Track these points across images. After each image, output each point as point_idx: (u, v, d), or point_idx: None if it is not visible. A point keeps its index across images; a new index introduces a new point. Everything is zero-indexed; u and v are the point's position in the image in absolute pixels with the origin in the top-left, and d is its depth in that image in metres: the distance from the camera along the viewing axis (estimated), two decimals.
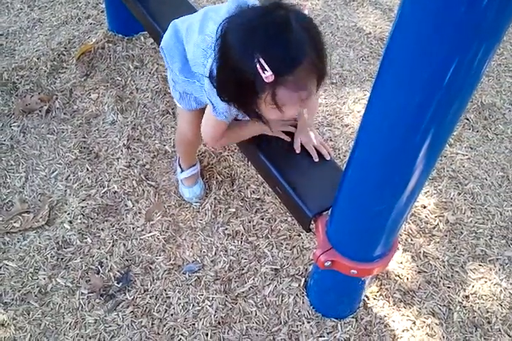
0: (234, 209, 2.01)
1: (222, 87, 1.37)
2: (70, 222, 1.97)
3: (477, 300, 1.84)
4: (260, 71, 1.19)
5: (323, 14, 2.81)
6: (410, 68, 0.93)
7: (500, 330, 1.77)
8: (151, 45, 2.48)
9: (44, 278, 1.85)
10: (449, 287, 1.87)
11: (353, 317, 1.77)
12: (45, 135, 2.21)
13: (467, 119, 2.36)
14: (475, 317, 1.79)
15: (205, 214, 2.01)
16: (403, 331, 1.76)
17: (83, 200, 2.02)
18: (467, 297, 1.85)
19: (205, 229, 1.98)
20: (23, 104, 2.25)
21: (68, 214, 1.98)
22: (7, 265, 1.87)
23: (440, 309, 1.81)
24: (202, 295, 1.82)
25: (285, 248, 1.91)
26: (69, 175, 2.10)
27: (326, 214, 1.53)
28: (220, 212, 2.01)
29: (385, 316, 1.78)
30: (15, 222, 1.97)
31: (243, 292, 1.83)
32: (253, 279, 1.85)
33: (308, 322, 1.76)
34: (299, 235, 1.94)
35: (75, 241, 1.93)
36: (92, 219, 1.98)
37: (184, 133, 1.86)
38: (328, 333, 1.75)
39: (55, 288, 1.83)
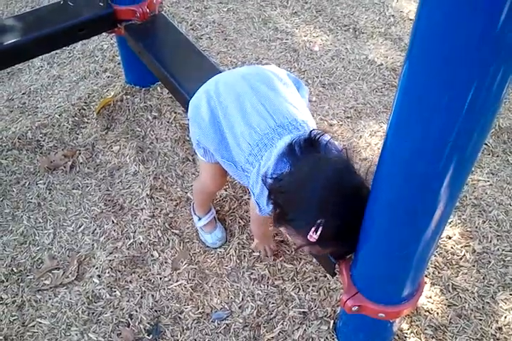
0: (258, 253, 2.05)
1: (273, 203, 1.47)
2: (99, 276, 2.03)
3: (510, 331, 1.82)
4: (311, 229, 1.31)
5: (333, 49, 2.87)
6: (427, 97, 0.93)
7: None
8: (167, 94, 2.57)
9: (76, 334, 1.91)
10: (480, 319, 1.85)
11: None
12: (71, 190, 2.30)
13: (486, 144, 2.37)
14: None
15: (230, 260, 2.05)
16: None
17: (110, 253, 2.09)
18: (500, 329, 1.83)
19: (231, 274, 2.01)
20: (48, 162, 2.35)
21: (96, 268, 2.05)
22: (40, 323, 1.94)
23: None
24: None
25: (312, 290, 1.93)
26: (95, 229, 2.18)
27: (349, 258, 1.55)
28: (245, 256, 2.05)
29: None
30: (45, 280, 2.04)
31: (273, 337, 1.85)
32: (282, 324, 1.87)
33: None
34: (325, 276, 1.96)
35: (105, 295, 1.99)
36: (119, 271, 2.04)
37: (206, 184, 1.92)
38: None
39: None
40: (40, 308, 1.98)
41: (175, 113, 2.51)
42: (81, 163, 2.38)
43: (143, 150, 2.41)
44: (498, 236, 2.04)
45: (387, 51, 2.84)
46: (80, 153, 2.40)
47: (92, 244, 2.14)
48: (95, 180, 2.33)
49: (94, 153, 2.42)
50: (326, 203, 1.34)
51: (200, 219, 2.11)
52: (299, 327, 1.86)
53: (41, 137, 2.48)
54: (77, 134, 2.48)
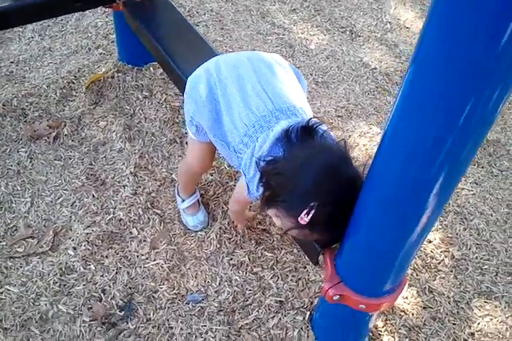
0: (239, 239, 2.05)
1: (264, 185, 1.46)
2: (74, 248, 2.00)
3: (482, 337, 1.85)
4: (303, 212, 1.31)
5: (329, 49, 2.92)
6: (427, 106, 0.97)
7: None
8: (160, 75, 2.56)
9: (46, 305, 1.86)
10: (454, 323, 1.88)
11: None
12: (53, 161, 2.26)
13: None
14: None
15: (210, 244, 2.04)
16: None
17: (88, 227, 2.05)
18: (472, 334, 1.87)
19: (209, 258, 2.01)
20: (32, 130, 2.31)
21: (72, 240, 2.02)
22: (9, 290, 1.89)
23: None
24: (205, 326, 1.83)
25: (290, 280, 1.94)
26: (74, 202, 2.14)
27: (334, 248, 1.57)
28: (225, 241, 2.05)
29: None
30: (18, 247, 2.00)
31: (247, 324, 1.85)
32: (257, 311, 1.87)
33: None
34: (305, 267, 1.97)
35: (79, 268, 1.95)
36: (96, 246, 2.01)
37: (192, 165, 1.90)
38: None
39: (57, 315, 1.85)
40: (9, 275, 1.93)
41: (166, 94, 2.50)
42: (65, 135, 2.34)
43: (130, 128, 2.38)
44: (478, 244, 2.09)
45: (382, 56, 2.89)
46: (65, 125, 2.36)
47: (70, 216, 2.10)
48: (79, 153, 2.29)
49: (80, 127, 2.38)
50: (321, 187, 1.35)
51: (183, 200, 2.10)
52: (274, 316, 1.86)
53: (27, 106, 2.43)
54: (64, 106, 2.44)
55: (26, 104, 2.43)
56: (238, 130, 1.56)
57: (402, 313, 1.89)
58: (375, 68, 2.81)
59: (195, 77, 1.70)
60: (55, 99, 2.45)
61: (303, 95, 1.67)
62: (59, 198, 2.15)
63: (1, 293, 1.88)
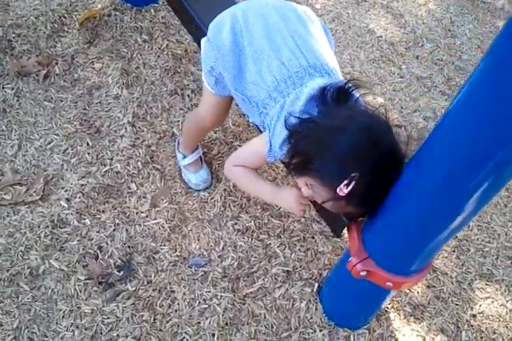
0: (244, 203, 1.97)
1: (294, 148, 1.35)
2: (68, 199, 1.85)
3: (484, 319, 1.89)
4: (343, 182, 1.22)
5: (335, 11, 2.81)
6: (484, 113, 0.94)
7: None
8: (161, 19, 2.37)
9: (36, 259, 1.72)
10: (457, 304, 1.90)
11: (366, 329, 1.77)
12: (42, 102, 2.06)
13: None
14: (482, 337, 1.83)
15: (214, 206, 1.95)
16: None
17: (83, 177, 1.90)
18: (474, 316, 1.90)
19: (212, 221, 1.91)
20: (19, 66, 2.09)
21: (66, 190, 1.86)
22: None
23: (449, 326, 1.84)
24: (209, 292, 1.76)
25: (298, 250, 1.88)
26: (67, 149, 1.97)
27: (361, 221, 1.51)
28: (230, 204, 1.96)
29: (396, 330, 1.80)
30: (5, 194, 1.82)
31: (252, 292, 1.79)
32: (263, 280, 1.81)
33: (321, 331, 1.74)
34: (313, 237, 1.92)
35: (72, 221, 1.81)
36: (91, 198, 1.87)
37: (205, 118, 1.77)
38: None
39: (48, 271, 1.71)
40: None
41: (168, 40, 2.32)
42: (57, 75, 2.14)
43: (128, 74, 2.20)
44: (479, 226, 2.11)
45: (388, 24, 2.82)
46: (56, 63, 2.15)
47: (62, 164, 1.93)
48: (71, 96, 2.10)
49: (73, 67, 2.18)
50: (362, 155, 1.25)
51: (184, 157, 1.98)
52: (280, 286, 1.81)
53: (13, 37, 2.19)
54: (56, 42, 2.22)
55: (13, 35, 2.19)
56: (266, 83, 1.45)
57: (408, 291, 1.89)
58: (381, 36, 2.74)
59: (218, 22, 1.56)
60: (45, 32, 2.22)
61: (333, 55, 1.58)
62: (49, 143, 1.97)
63: None
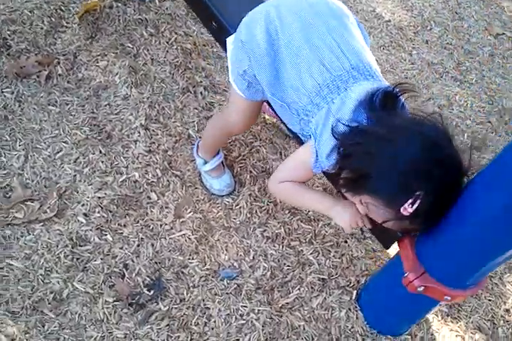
0: (271, 208, 1.81)
1: (349, 160, 1.20)
2: (85, 214, 1.66)
3: None
4: (408, 202, 1.10)
5: None
6: None
7: None
8: (167, 10, 2.15)
9: (58, 282, 1.54)
10: (490, 300, 1.81)
11: (407, 334, 1.65)
12: (46, 106, 1.84)
13: (489, 122, 2.32)
14: None
15: (240, 213, 1.78)
16: None
17: (99, 189, 1.71)
18: (508, 311, 1.81)
19: (239, 229, 1.75)
20: (18, 66, 1.85)
21: (83, 205, 1.67)
22: (10, 265, 1.54)
23: (485, 323, 1.75)
24: (245, 306, 1.61)
25: (333, 256, 1.74)
26: (78, 158, 1.77)
27: (414, 234, 1.38)
28: (256, 211, 1.80)
29: (436, 332, 1.69)
30: (17, 212, 1.62)
31: (288, 303, 1.64)
32: (298, 289, 1.67)
33: (364, 340, 1.62)
34: (346, 242, 1.78)
35: (93, 238, 1.63)
36: (111, 212, 1.68)
37: (233, 123, 1.59)
38: None
39: (73, 295, 1.53)
40: (9, 247, 1.57)
41: (176, 33, 2.11)
42: (59, 75, 1.91)
43: (136, 72, 1.99)
44: None
45: (394, 8, 2.64)
46: (58, 63, 1.92)
47: (74, 175, 1.73)
48: (77, 98, 1.88)
49: (76, 66, 1.95)
50: (426, 171, 1.11)
51: (206, 162, 1.79)
52: (317, 295, 1.67)
53: (9, 35, 1.94)
54: (55, 39, 1.98)
55: (8, 32, 1.94)
56: (307, 88, 1.28)
57: None
58: (389, 21, 2.56)
59: (250, 22, 1.38)
60: (42, 28, 1.98)
61: (372, 55, 1.40)
62: (58, 152, 1.77)
63: (2, 268, 1.53)
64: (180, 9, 2.14)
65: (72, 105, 1.86)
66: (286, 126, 1.53)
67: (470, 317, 1.75)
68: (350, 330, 1.63)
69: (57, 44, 1.96)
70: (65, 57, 1.94)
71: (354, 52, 1.31)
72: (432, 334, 1.69)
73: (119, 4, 2.11)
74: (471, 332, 1.72)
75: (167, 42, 2.08)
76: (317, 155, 1.26)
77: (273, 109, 1.49)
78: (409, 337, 1.65)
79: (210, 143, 1.78)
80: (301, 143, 1.43)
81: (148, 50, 2.05)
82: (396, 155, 1.12)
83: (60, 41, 1.97)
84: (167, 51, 2.05)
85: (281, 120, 1.53)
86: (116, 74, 1.96)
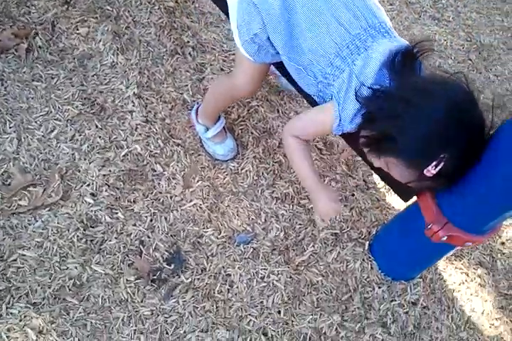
0: (277, 168, 1.55)
1: (371, 124, 1.02)
2: (93, 194, 1.38)
3: (510, 244, 1.65)
4: (432, 163, 0.95)
5: None
6: None
7: None
8: None
9: (75, 267, 1.29)
10: None
11: (419, 278, 1.48)
12: (31, 82, 1.48)
13: (470, 60, 2.05)
14: None
15: (247, 176, 1.52)
16: (460, 284, 1.51)
17: (102, 166, 1.42)
18: (503, 244, 1.65)
19: (248, 192, 1.50)
20: None
21: (88, 184, 1.38)
22: (23, 255, 1.27)
23: (485, 258, 1.58)
24: (265, 269, 1.39)
25: (342, 210, 1.53)
26: (74, 135, 1.45)
27: None
28: (263, 172, 1.54)
29: (443, 271, 1.51)
30: (20, 200, 1.33)
31: (303, 261, 1.43)
32: (313, 246, 1.46)
33: (380, 287, 1.43)
34: (353, 195, 1.55)
35: (104, 218, 1.35)
36: (118, 189, 1.40)
37: (241, 88, 1.30)
38: (398, 296, 1.45)
39: (93, 278, 1.29)
40: (19, 236, 1.29)
41: None
42: (40, 47, 1.53)
43: (119, 36, 1.62)
44: None
45: None
46: (36, 33, 1.53)
47: (73, 154, 1.42)
48: (63, 71, 1.52)
49: (56, 35, 1.56)
50: (452, 135, 0.94)
51: (207, 129, 1.49)
52: (332, 250, 1.46)
53: None
54: (28, 7, 1.56)
55: None
56: (325, 50, 1.05)
57: None
58: None
59: None
60: None
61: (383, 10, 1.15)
62: (52, 131, 1.44)
63: (15, 260, 1.26)
64: None
65: (58, 79, 1.51)
66: (293, 85, 1.27)
67: (471, 254, 1.58)
68: (366, 280, 1.44)
69: (31, 13, 1.56)
70: (42, 27, 1.55)
71: (369, 9, 1.07)
72: (440, 274, 1.52)
73: None
74: (474, 268, 1.56)
75: (148, 2, 1.69)
76: (340, 120, 1.06)
77: (283, 71, 1.22)
78: (421, 280, 1.48)
79: (212, 109, 1.47)
80: (310, 101, 1.21)
81: (129, 11, 1.66)
82: (420, 118, 0.95)
83: (35, 9, 1.57)
84: (150, 12, 1.67)
85: (288, 80, 1.26)
86: (100, 40, 1.58)
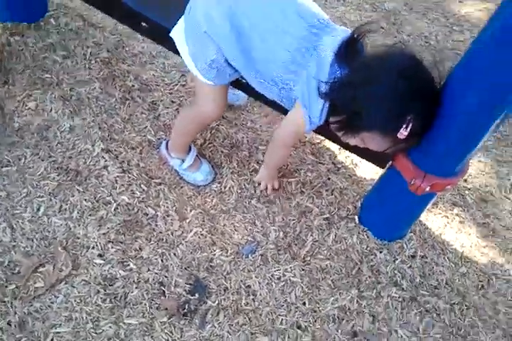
0: (255, 176, 1.35)
1: (339, 111, 0.94)
2: (100, 255, 1.17)
3: (472, 179, 1.51)
4: (402, 127, 0.88)
5: None
6: None
7: (502, 198, 1.48)
8: (65, 25, 1.45)
9: (110, 327, 1.09)
10: None
11: (410, 232, 1.33)
12: (0, 169, 1.24)
13: (382, 28, 1.84)
14: (480, 193, 1.47)
15: (231, 192, 1.32)
16: (444, 227, 1.37)
17: (99, 226, 1.20)
18: (466, 180, 1.51)
19: (237, 207, 1.30)
20: None
21: (93, 247, 1.17)
22: (58, 333, 1.06)
23: (456, 198, 1.44)
24: (278, 269, 1.22)
25: (326, 195, 1.34)
26: (61, 206, 1.21)
27: None
28: (244, 184, 1.34)
29: (426, 220, 1.37)
30: (35, 283, 1.11)
31: (308, 251, 1.26)
32: (311, 235, 1.29)
33: (381, 252, 1.28)
34: (329, 179, 1.37)
35: (118, 273, 1.15)
36: (121, 242, 1.20)
37: (206, 111, 1.12)
38: (398, 254, 1.30)
39: (129, 331, 1.09)
40: (47, 317, 1.08)
41: (87, 47, 1.44)
42: None
43: (67, 100, 1.37)
44: None
45: None
46: None
47: (67, 224, 1.19)
48: (28, 149, 1.27)
49: (7, 117, 1.30)
50: (411, 97, 0.88)
51: (183, 161, 1.29)
52: (328, 233, 1.29)
53: None
54: None
55: None
56: (281, 58, 0.95)
57: None
58: None
59: (201, 10, 0.94)
60: None
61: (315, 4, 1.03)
62: (38, 209, 1.20)
63: (52, 340, 1.06)
64: (77, 21, 1.45)
65: (25, 158, 1.26)
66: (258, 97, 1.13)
67: (443, 198, 1.44)
68: (366, 250, 1.28)
69: None
70: None
71: (304, 9, 0.96)
72: (425, 224, 1.37)
73: (16, 37, 1.41)
74: (450, 209, 1.41)
75: (84, 59, 1.42)
76: (310, 118, 0.98)
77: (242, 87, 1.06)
78: (412, 234, 1.33)
79: (182, 141, 1.26)
80: (273, 104, 1.11)
81: (68, 73, 1.40)
82: (377, 91, 0.88)
83: None
84: (89, 68, 1.41)
85: (249, 94, 1.16)
86: (51, 109, 1.33)
